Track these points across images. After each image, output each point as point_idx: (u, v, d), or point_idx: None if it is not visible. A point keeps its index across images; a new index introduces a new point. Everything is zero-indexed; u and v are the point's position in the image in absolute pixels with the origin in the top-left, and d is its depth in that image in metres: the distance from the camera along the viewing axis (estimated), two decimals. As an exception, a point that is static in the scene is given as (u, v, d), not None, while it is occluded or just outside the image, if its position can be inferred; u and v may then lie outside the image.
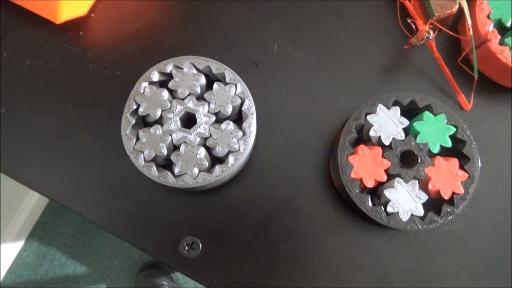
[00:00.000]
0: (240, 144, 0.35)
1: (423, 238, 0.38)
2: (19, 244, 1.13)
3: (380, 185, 0.37)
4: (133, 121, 0.36)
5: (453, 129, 0.35)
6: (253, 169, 0.40)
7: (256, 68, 0.42)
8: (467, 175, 0.34)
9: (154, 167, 0.35)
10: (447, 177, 0.34)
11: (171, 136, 0.36)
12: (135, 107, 0.36)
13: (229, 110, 0.36)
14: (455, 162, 0.35)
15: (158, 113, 0.36)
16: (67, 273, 1.12)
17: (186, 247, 0.38)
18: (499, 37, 0.37)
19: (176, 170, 0.35)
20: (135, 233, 0.38)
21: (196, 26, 0.43)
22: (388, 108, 0.36)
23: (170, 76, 0.37)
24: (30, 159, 0.39)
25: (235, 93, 0.36)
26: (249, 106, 0.36)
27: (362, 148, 0.35)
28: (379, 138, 0.35)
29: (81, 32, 0.43)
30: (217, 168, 0.35)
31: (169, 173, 0.35)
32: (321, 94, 0.41)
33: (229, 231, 0.38)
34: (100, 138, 0.40)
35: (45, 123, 0.40)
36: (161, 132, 0.36)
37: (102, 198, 0.39)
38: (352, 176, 0.35)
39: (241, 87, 0.37)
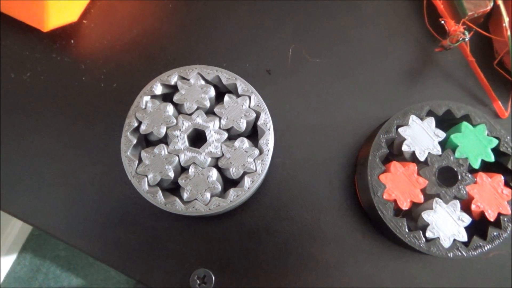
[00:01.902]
0: (257, 164, 0.31)
1: (463, 264, 0.34)
2: (12, 258, 1.09)
3: (415, 207, 0.33)
4: (135, 141, 0.32)
5: (495, 141, 0.31)
6: (269, 190, 0.36)
7: (268, 76, 0.38)
8: (514, 193, 0.31)
9: (160, 193, 0.31)
10: (492, 196, 0.31)
11: (178, 156, 0.31)
12: (136, 124, 0.32)
13: (243, 125, 0.32)
14: (499, 178, 0.31)
15: (163, 130, 0.32)
16: (62, 286, 1.08)
17: (198, 281, 0.33)
18: (539, 37, 0.34)
19: (186, 195, 0.31)
20: (139, 267, 0.34)
21: (201, 31, 0.39)
22: (422, 119, 0.32)
23: (174, 88, 0.33)
24: (17, 186, 0.35)
25: (249, 106, 0.32)
26: (266, 120, 0.32)
27: (394, 165, 0.31)
28: (413, 153, 0.32)
29: (72, 41, 0.38)
30: (232, 192, 0.31)
31: (177, 199, 0.31)
32: (341, 103, 0.37)
33: (245, 261, 0.34)
34: (96, 161, 0.35)
35: (33, 145, 0.36)
36: (166, 152, 0.31)
37: (100, 228, 0.34)
38: (385, 197, 0.31)
39: (255, 99, 0.32)
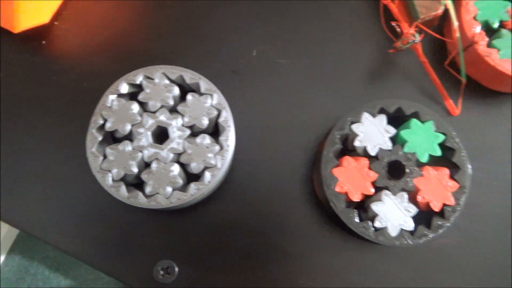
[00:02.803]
0: (217, 159, 0.33)
1: (417, 253, 0.36)
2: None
3: (368, 198, 0.34)
4: (100, 138, 0.33)
5: (442, 137, 0.33)
6: (233, 185, 0.37)
7: (235, 77, 0.39)
8: (458, 185, 0.33)
9: (123, 187, 0.32)
10: (437, 188, 0.33)
11: (141, 152, 0.33)
12: (101, 122, 0.33)
13: (204, 122, 0.34)
14: (445, 172, 0.33)
15: (128, 128, 0.33)
16: (51, 287, 1.07)
17: (161, 272, 0.35)
18: (486, 39, 0.36)
19: (148, 189, 0.32)
20: (107, 260, 0.35)
21: (171, 34, 0.40)
22: (374, 116, 0.34)
23: (140, 87, 0.35)
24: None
25: (211, 104, 0.34)
26: (226, 117, 0.34)
27: (347, 159, 0.33)
28: (365, 148, 0.33)
29: (43, 42, 0.40)
30: (192, 186, 0.32)
31: (140, 193, 0.32)
32: (304, 102, 0.39)
33: (209, 253, 0.36)
34: (67, 158, 0.37)
35: (5, 143, 0.37)
36: (130, 148, 0.33)
37: (71, 224, 0.36)
38: (337, 190, 0.33)
39: (217, 97, 0.34)
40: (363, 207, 0.35)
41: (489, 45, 0.36)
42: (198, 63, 0.40)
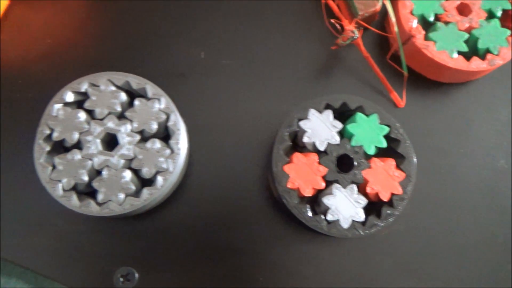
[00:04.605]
0: (169, 163, 0.33)
1: (367, 243, 0.37)
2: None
3: (320, 193, 0.35)
4: (48, 148, 0.33)
5: (387, 129, 0.35)
6: (188, 188, 0.37)
7: (184, 80, 0.40)
8: (404, 175, 0.34)
9: (75, 196, 0.32)
10: (385, 178, 0.34)
11: (91, 160, 0.33)
12: (48, 132, 0.33)
13: (153, 127, 0.34)
14: (391, 162, 0.34)
15: (75, 136, 0.33)
16: (28, 305, 1.05)
17: (121, 279, 0.35)
18: (423, 32, 0.37)
19: (100, 197, 0.32)
20: (62, 271, 0.34)
21: (115, 39, 0.40)
22: (320, 112, 0.35)
23: (87, 95, 0.34)
24: None
25: (159, 109, 0.34)
26: (175, 121, 0.34)
27: (297, 156, 0.34)
28: (314, 144, 0.34)
29: (-14, 53, 0.39)
30: (145, 191, 0.32)
31: (92, 202, 0.32)
32: (255, 102, 0.40)
33: (167, 256, 0.36)
34: (14, 169, 0.36)
35: None
36: (79, 157, 0.32)
37: (21, 236, 0.35)
38: (288, 186, 0.33)
39: (165, 101, 0.34)
40: (317, 201, 0.36)
41: (426, 38, 0.37)
42: (144, 68, 0.39)
